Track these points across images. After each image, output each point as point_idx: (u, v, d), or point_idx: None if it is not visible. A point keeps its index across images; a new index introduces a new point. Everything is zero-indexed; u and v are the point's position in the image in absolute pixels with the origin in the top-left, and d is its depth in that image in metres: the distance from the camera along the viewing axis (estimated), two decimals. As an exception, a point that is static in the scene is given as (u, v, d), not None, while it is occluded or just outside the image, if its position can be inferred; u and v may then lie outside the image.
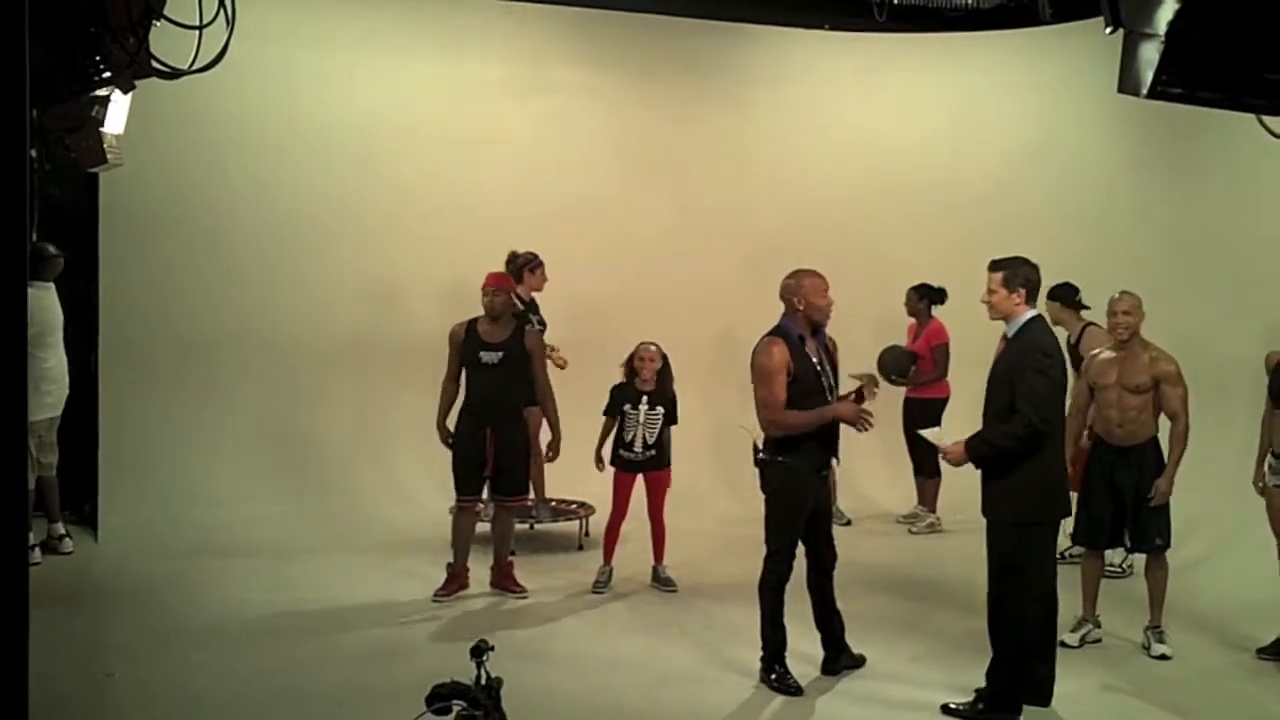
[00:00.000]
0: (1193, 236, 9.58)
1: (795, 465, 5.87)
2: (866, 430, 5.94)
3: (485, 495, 7.55)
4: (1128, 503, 6.50)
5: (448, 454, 7.39)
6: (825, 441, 5.96)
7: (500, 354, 7.30)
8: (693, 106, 10.65)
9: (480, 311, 7.38)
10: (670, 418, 7.73)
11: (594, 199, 10.17)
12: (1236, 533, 7.56)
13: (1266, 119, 4.49)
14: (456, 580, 7.36)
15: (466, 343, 7.30)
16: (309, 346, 9.42)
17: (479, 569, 7.53)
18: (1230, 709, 5.87)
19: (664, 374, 7.75)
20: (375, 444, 8.58)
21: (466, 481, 7.36)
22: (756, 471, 6.03)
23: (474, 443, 7.28)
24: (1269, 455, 6.49)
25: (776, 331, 5.94)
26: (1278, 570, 6.50)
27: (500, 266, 8.43)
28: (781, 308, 6.01)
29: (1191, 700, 5.91)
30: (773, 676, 5.96)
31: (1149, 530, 6.52)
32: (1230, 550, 7.86)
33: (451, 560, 7.38)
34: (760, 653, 6.02)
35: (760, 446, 6.00)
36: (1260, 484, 6.62)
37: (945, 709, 5.70)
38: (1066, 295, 8.12)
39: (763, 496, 6.03)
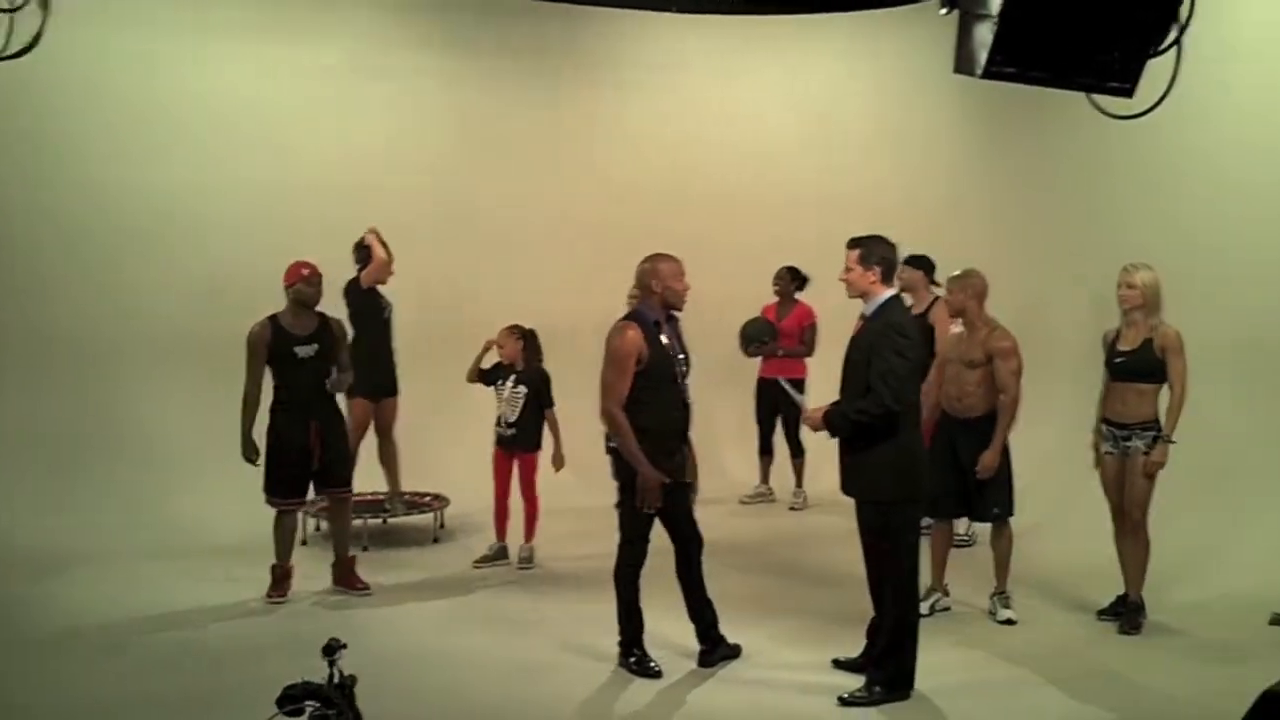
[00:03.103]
0: (1030, 214, 9.85)
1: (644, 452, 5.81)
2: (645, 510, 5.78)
3: (310, 495, 7.36)
4: (968, 474, 6.64)
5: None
6: (675, 427, 5.93)
7: (316, 345, 7.09)
8: (544, 91, 10.60)
9: (279, 307, 7.11)
10: (538, 398, 7.79)
11: (441, 185, 10.06)
12: (1074, 499, 7.80)
13: (1096, 97, 4.61)
14: (286, 580, 7.18)
15: (276, 341, 6.99)
16: (150, 345, 9.11)
17: (321, 566, 7.43)
18: (1073, 668, 6.06)
19: (529, 352, 7.81)
20: (218, 444, 8.34)
21: (292, 484, 7.12)
22: (609, 459, 5.98)
23: (300, 441, 7.04)
24: (1102, 424, 6.70)
25: (632, 315, 5.92)
26: (1112, 535, 6.75)
27: (346, 253, 8.42)
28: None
29: (1037, 661, 6.10)
30: (631, 660, 5.97)
31: (987, 501, 6.70)
32: (1069, 517, 8.12)
33: (276, 562, 7.17)
34: (618, 638, 6.03)
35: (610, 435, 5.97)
36: (1096, 459, 6.78)
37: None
38: (927, 267, 8.26)
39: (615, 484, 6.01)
